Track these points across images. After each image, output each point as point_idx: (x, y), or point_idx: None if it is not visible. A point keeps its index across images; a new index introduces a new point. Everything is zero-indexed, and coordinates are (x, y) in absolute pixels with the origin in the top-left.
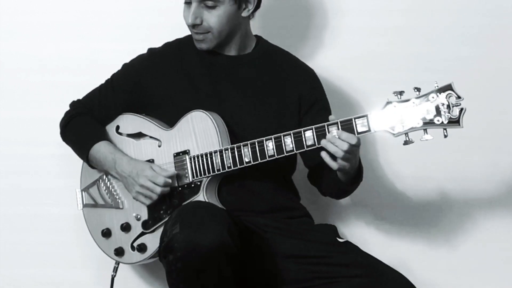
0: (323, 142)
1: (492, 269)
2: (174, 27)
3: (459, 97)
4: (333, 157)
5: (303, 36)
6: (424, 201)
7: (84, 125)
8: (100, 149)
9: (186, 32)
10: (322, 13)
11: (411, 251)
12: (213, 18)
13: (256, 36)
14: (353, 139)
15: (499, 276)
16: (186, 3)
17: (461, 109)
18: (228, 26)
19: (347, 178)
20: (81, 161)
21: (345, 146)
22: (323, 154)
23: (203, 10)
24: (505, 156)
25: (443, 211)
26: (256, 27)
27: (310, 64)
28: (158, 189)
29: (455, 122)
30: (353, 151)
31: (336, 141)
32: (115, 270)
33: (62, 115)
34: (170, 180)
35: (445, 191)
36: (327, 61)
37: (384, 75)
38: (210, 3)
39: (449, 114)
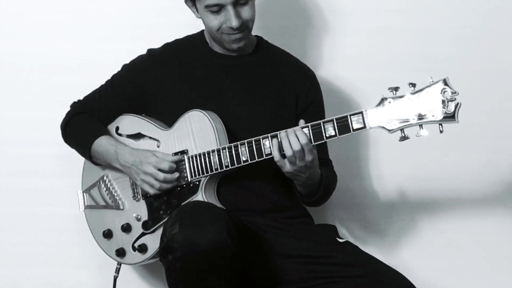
0: (281, 133)
1: (492, 268)
2: (173, 27)
3: (454, 92)
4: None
5: (303, 36)
6: (424, 201)
7: (84, 123)
8: (101, 143)
9: (186, 32)
10: (322, 13)
11: (411, 251)
12: (248, 13)
13: (256, 36)
14: (304, 139)
15: (499, 275)
16: (213, 12)
17: (457, 104)
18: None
19: (303, 190)
20: (81, 161)
21: (297, 146)
22: (274, 141)
23: (237, 9)
24: (503, 156)
25: (442, 211)
26: (256, 27)
27: (309, 63)
28: (161, 175)
29: (450, 117)
30: (301, 158)
31: (291, 137)
32: (117, 270)
33: (62, 115)
34: (174, 165)
35: (445, 191)
36: (326, 61)
37: (383, 75)
38: (243, 1)
39: (444, 109)
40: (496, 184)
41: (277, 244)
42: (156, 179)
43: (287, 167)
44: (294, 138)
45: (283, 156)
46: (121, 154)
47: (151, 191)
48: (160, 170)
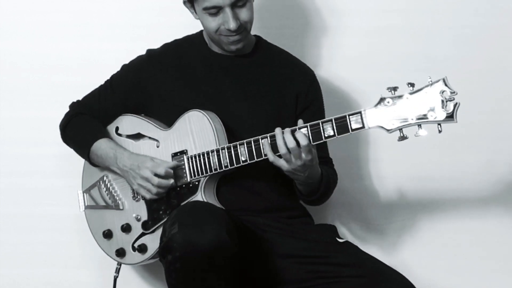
0: (276, 130)
1: (492, 268)
2: (173, 27)
3: (453, 92)
4: (277, 151)
5: (302, 36)
6: (424, 201)
7: (83, 124)
8: (101, 146)
9: (186, 32)
10: (321, 13)
11: (411, 251)
12: (246, 14)
13: (255, 36)
14: (303, 140)
15: (499, 275)
16: (211, 14)
17: (455, 104)
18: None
19: (304, 188)
20: (81, 161)
21: (292, 144)
22: (264, 141)
23: (236, 11)
24: (503, 156)
25: (442, 211)
26: (256, 27)
27: (308, 63)
28: (155, 180)
29: (449, 116)
30: (297, 155)
31: (287, 136)
32: (117, 271)
33: (62, 115)
34: (171, 171)
35: (445, 191)
36: (325, 61)
37: (382, 75)
38: (241, 3)
39: (443, 109)
40: (496, 184)
41: (277, 244)
42: (152, 184)
43: (284, 166)
44: (289, 135)
45: (279, 156)
46: (120, 158)
47: (148, 195)
48: (156, 175)
